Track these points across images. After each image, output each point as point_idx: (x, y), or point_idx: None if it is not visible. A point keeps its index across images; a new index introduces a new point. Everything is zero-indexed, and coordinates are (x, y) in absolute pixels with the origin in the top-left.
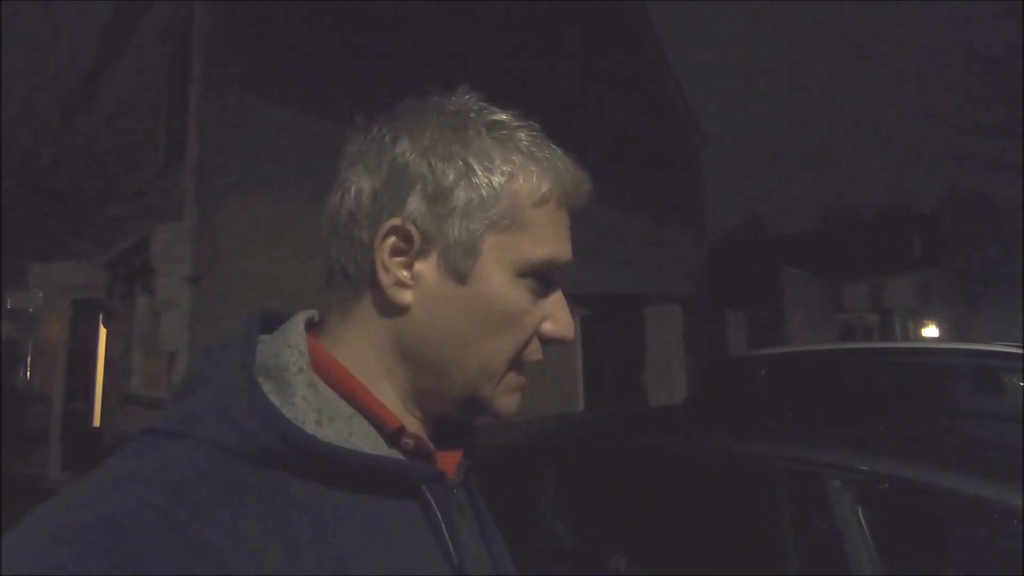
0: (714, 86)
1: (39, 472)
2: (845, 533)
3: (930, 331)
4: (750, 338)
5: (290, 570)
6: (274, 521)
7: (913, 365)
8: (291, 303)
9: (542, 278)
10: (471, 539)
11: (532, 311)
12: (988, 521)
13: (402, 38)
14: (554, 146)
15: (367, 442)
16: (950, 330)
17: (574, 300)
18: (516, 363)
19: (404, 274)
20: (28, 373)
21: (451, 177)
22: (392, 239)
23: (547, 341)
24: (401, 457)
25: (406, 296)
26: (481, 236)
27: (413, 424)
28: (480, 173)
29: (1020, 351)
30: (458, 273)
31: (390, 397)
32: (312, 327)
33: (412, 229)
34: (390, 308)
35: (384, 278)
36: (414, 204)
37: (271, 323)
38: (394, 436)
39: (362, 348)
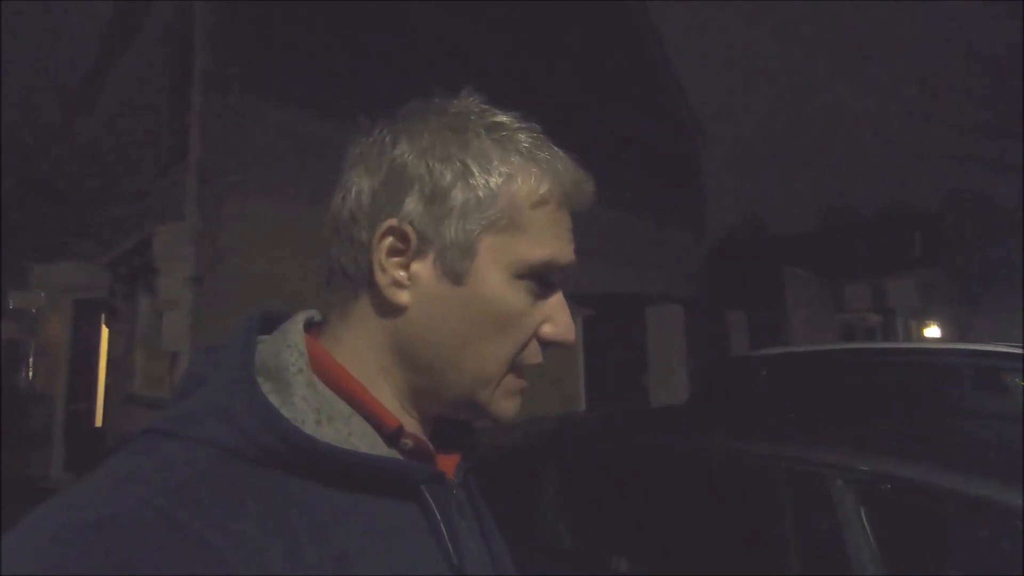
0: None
1: (41, 472)
2: (847, 533)
3: (932, 331)
4: (751, 338)
5: (290, 570)
6: (274, 521)
7: (914, 365)
8: (292, 303)
9: (541, 280)
10: (471, 539)
11: (531, 313)
12: (990, 521)
13: (403, 38)
14: (555, 148)
15: (366, 442)
16: (952, 330)
17: (575, 300)
18: (515, 366)
19: (401, 274)
20: (30, 373)
21: (448, 178)
22: (389, 239)
23: (547, 344)
24: (400, 457)
25: (403, 296)
26: (478, 237)
27: (411, 424)
28: (477, 174)
29: (1021, 351)
30: (454, 274)
31: (388, 397)
32: (312, 327)
33: (409, 229)
34: (387, 308)
35: (381, 278)
36: (411, 205)
37: (271, 323)
38: (393, 436)
39: (361, 348)
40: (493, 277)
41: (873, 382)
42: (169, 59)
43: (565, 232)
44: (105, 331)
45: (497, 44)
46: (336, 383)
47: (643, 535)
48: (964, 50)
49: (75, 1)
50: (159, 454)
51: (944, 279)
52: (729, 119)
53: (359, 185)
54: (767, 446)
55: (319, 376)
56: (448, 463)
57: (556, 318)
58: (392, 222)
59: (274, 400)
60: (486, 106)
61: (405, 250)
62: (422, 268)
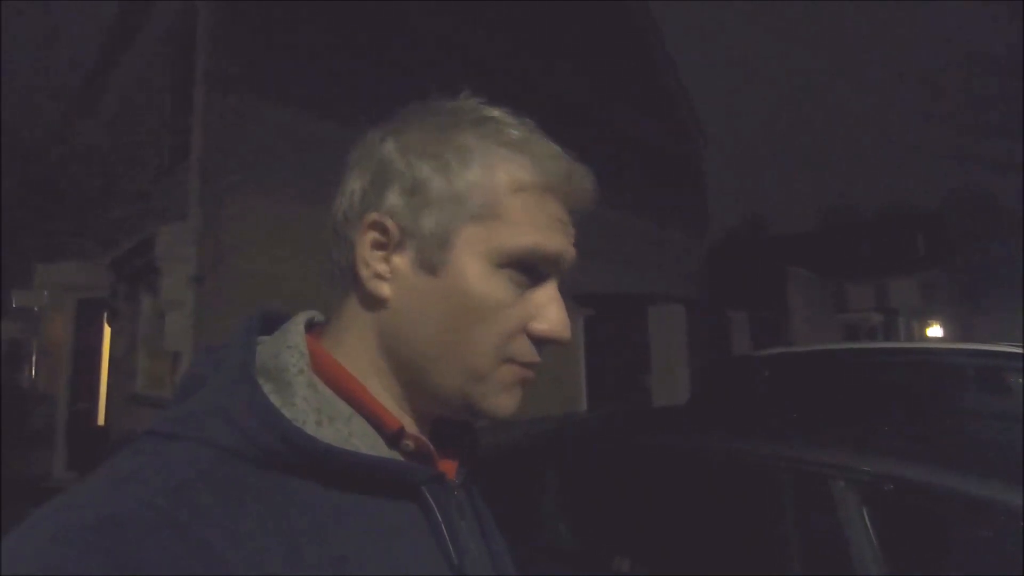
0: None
1: (43, 472)
2: (849, 534)
3: (934, 331)
4: (753, 338)
5: (290, 571)
6: (274, 522)
7: (916, 365)
8: (293, 303)
9: (528, 270)
10: (471, 540)
11: (515, 304)
12: (993, 522)
13: (403, 38)
14: (547, 140)
15: (366, 443)
16: (954, 330)
17: (576, 300)
18: (505, 360)
19: (382, 267)
20: (32, 373)
21: (426, 171)
22: (372, 234)
23: (539, 340)
24: (401, 458)
25: (384, 289)
26: (455, 228)
27: (409, 424)
28: (455, 166)
29: (1023, 351)
30: (431, 265)
31: (383, 396)
32: (313, 328)
33: (390, 223)
34: (372, 302)
35: (363, 271)
36: (392, 199)
37: (271, 324)
38: (394, 437)
39: (353, 346)
40: (472, 267)
41: (875, 382)
42: (171, 59)
43: (551, 221)
44: (107, 331)
45: (497, 44)
46: (336, 384)
47: (644, 535)
48: (964, 50)
49: (76, 1)
50: (159, 455)
51: (946, 279)
52: (730, 119)
53: (352, 186)
54: (769, 446)
55: (320, 377)
56: (448, 464)
57: (547, 312)
58: (373, 216)
59: (275, 400)
60: (481, 104)
61: (387, 244)
62: (402, 261)
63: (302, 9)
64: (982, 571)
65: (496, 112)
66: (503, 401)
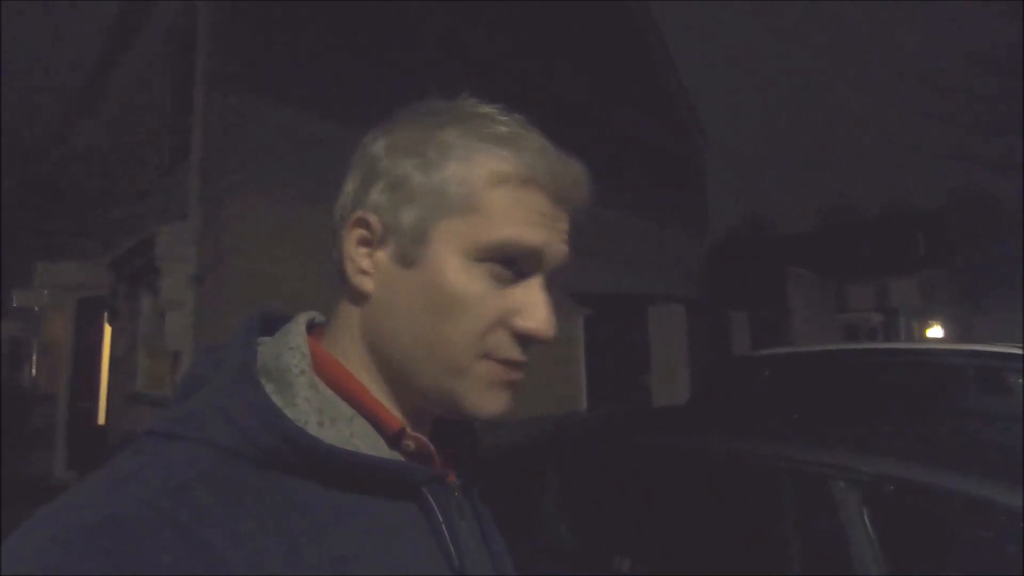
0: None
1: (43, 471)
2: (850, 535)
3: (935, 331)
4: (753, 338)
5: (290, 571)
6: (274, 522)
7: (917, 366)
8: (293, 303)
9: (511, 264)
10: (471, 540)
11: (492, 297)
12: (994, 523)
13: (403, 38)
14: (536, 134)
15: (367, 443)
16: (955, 330)
17: (577, 300)
18: (483, 355)
19: (366, 263)
20: (33, 372)
21: (407, 167)
22: (358, 231)
23: (521, 336)
24: (401, 459)
25: (367, 284)
26: (433, 222)
27: (407, 423)
28: (435, 161)
29: (1023, 352)
30: (409, 259)
31: (377, 394)
32: (314, 328)
33: (373, 219)
34: (358, 299)
35: (349, 267)
36: (376, 196)
37: (271, 324)
38: (395, 438)
39: (347, 345)
40: (449, 260)
41: (876, 383)
42: (171, 59)
43: (532, 215)
44: (107, 330)
45: (497, 44)
46: (337, 384)
47: (644, 536)
48: (964, 50)
49: (76, 1)
50: (160, 455)
51: (946, 279)
52: (730, 119)
53: (347, 186)
54: (769, 447)
55: (321, 377)
56: (449, 464)
57: (529, 307)
58: (359, 213)
59: (277, 401)
60: (475, 103)
61: (372, 240)
62: (384, 256)
63: (302, 9)
64: (982, 572)
65: (486, 109)
66: (486, 401)
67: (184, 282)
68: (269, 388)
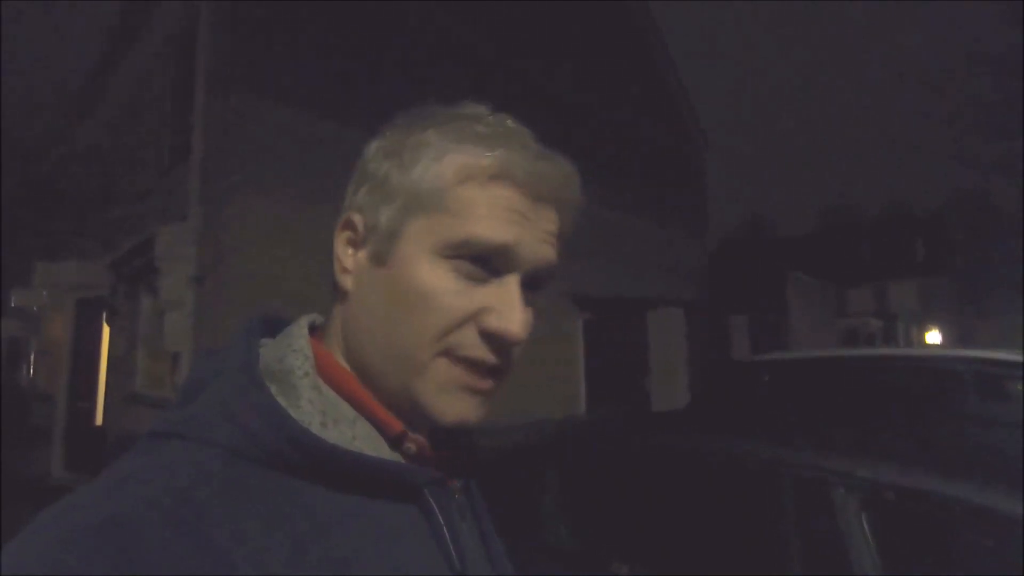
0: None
1: (42, 471)
2: (849, 541)
3: (933, 335)
4: (753, 342)
5: (293, 571)
6: (277, 522)
7: (917, 371)
8: (293, 303)
9: (481, 262)
10: (472, 542)
11: (459, 295)
12: (993, 530)
13: (403, 38)
14: (517, 132)
15: (370, 445)
16: (953, 334)
17: (576, 303)
18: (443, 352)
19: (349, 262)
20: (32, 372)
21: (387, 168)
22: (346, 232)
23: (489, 336)
24: (403, 461)
25: (347, 282)
26: (406, 220)
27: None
28: (409, 161)
29: (1023, 359)
30: (381, 257)
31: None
32: (316, 330)
33: (357, 219)
34: (341, 297)
35: (336, 267)
36: (361, 197)
37: (272, 326)
38: (396, 440)
39: (333, 346)
40: (416, 257)
41: (875, 388)
42: (172, 60)
43: (500, 211)
44: (107, 330)
45: (497, 44)
46: (339, 386)
47: (643, 539)
48: (964, 51)
49: (77, 1)
50: (163, 455)
51: (946, 282)
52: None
53: (347, 190)
54: (769, 451)
55: (323, 379)
56: (449, 466)
57: (499, 307)
58: (347, 214)
59: (280, 403)
60: (471, 106)
61: (356, 240)
62: (363, 255)
63: (302, 9)
64: None
65: (473, 111)
66: (445, 404)
67: (184, 282)
68: (273, 390)
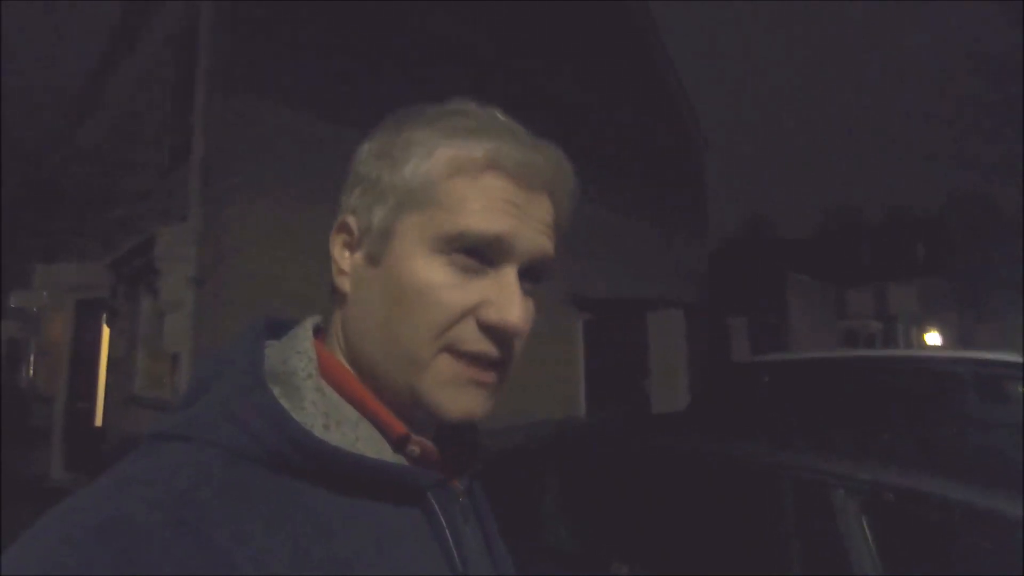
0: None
1: (42, 472)
2: (849, 542)
3: (933, 337)
4: (753, 343)
5: (294, 571)
6: (280, 523)
7: (918, 373)
8: (293, 303)
9: (476, 254)
10: (474, 545)
11: (457, 289)
12: (994, 531)
13: (403, 38)
14: (505, 124)
15: (373, 447)
16: (953, 335)
17: (576, 305)
18: (445, 347)
19: (346, 265)
20: (31, 373)
21: (378, 169)
22: (342, 234)
23: (489, 329)
24: (406, 463)
25: (345, 283)
26: (398, 218)
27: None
28: (399, 160)
29: (1023, 360)
30: (375, 257)
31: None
32: (319, 333)
33: (352, 221)
34: (339, 300)
35: (333, 270)
36: (355, 199)
37: (276, 328)
38: (399, 442)
39: (334, 348)
40: (410, 254)
41: (875, 390)
42: (172, 60)
43: (493, 202)
44: (106, 331)
45: (497, 44)
46: (342, 388)
47: (645, 541)
48: (965, 52)
49: (78, 1)
50: (165, 457)
51: (946, 284)
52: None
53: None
54: (769, 453)
55: (326, 381)
56: (452, 468)
57: (498, 299)
58: (342, 217)
59: (284, 404)
60: (459, 102)
61: (351, 242)
62: (359, 257)
63: (303, 9)
64: None
65: (462, 107)
66: (450, 400)
67: (184, 283)
68: (276, 392)
